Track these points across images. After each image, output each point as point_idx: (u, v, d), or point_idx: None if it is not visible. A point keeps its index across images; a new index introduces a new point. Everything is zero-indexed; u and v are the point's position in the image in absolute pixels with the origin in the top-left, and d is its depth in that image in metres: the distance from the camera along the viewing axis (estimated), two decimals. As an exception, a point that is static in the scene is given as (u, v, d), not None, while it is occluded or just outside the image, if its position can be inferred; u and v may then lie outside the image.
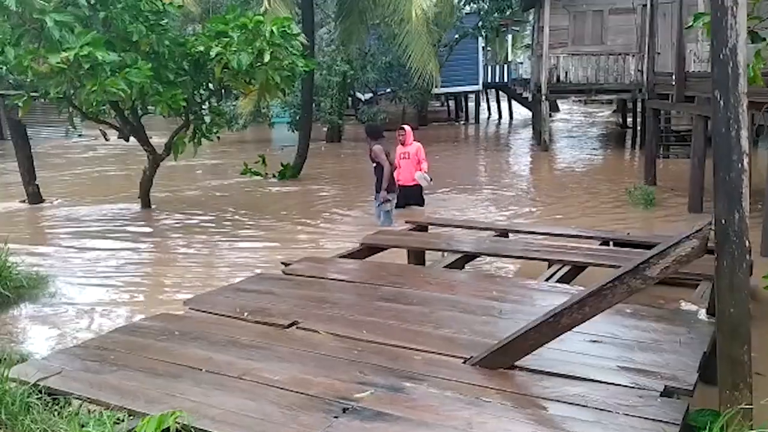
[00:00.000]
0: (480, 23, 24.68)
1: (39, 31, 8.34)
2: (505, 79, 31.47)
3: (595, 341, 3.81)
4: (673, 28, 16.74)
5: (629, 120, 24.63)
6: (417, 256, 6.91)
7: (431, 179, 10.57)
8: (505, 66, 32.31)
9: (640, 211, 10.34)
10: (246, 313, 4.53)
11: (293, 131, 22.98)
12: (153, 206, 11.51)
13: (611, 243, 6.52)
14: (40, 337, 5.81)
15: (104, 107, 9.95)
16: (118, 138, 11.15)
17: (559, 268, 5.50)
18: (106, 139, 11.78)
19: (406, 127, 10.69)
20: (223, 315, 4.59)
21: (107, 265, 8.05)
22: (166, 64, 9.32)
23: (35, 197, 12.27)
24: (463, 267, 6.12)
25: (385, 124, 22.81)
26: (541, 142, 18.92)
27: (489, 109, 33.75)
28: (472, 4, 24.64)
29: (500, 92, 33.17)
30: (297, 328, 4.31)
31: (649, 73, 12.61)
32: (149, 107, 10.11)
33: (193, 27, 13.64)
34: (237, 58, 8.78)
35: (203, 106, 10.69)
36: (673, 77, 11.27)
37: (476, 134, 27.80)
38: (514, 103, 32.42)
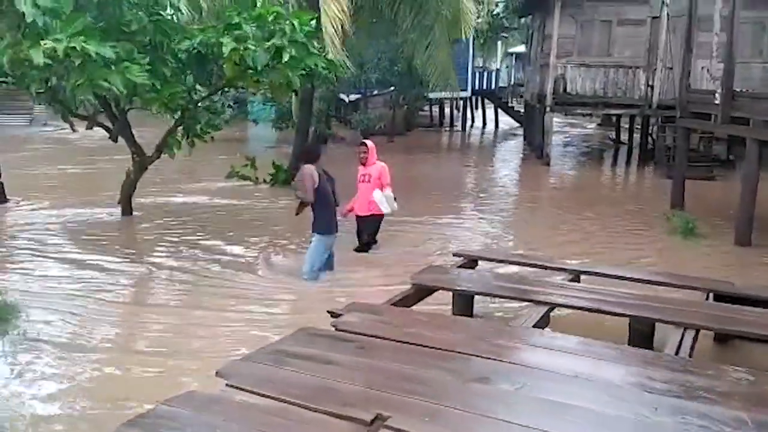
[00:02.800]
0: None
1: (20, 18, 6.83)
2: (492, 87, 30.59)
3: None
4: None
5: (623, 136, 23.93)
6: (464, 301, 5.77)
7: (396, 202, 8.45)
8: (493, 73, 31.42)
9: (681, 242, 9.38)
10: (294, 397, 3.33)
11: (279, 129, 21.80)
12: (135, 213, 10.12)
13: (710, 295, 5.46)
14: (18, 394, 4.57)
15: (87, 100, 8.59)
16: (87, 129, 9.86)
17: (683, 333, 4.40)
18: (74, 131, 10.44)
19: (368, 142, 8.60)
20: (275, 398, 3.37)
21: (88, 295, 6.60)
22: (164, 57, 8.01)
23: (-2, 196, 10.81)
24: (548, 323, 4.97)
25: (381, 130, 21.74)
26: (543, 155, 17.94)
27: (473, 116, 32.78)
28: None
29: (486, 100, 32.25)
30: (385, 426, 3.12)
31: (682, 90, 11.66)
32: (141, 105, 8.70)
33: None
34: (253, 56, 7.45)
35: (199, 104, 9.31)
36: (716, 96, 10.33)
37: (465, 143, 26.78)
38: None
